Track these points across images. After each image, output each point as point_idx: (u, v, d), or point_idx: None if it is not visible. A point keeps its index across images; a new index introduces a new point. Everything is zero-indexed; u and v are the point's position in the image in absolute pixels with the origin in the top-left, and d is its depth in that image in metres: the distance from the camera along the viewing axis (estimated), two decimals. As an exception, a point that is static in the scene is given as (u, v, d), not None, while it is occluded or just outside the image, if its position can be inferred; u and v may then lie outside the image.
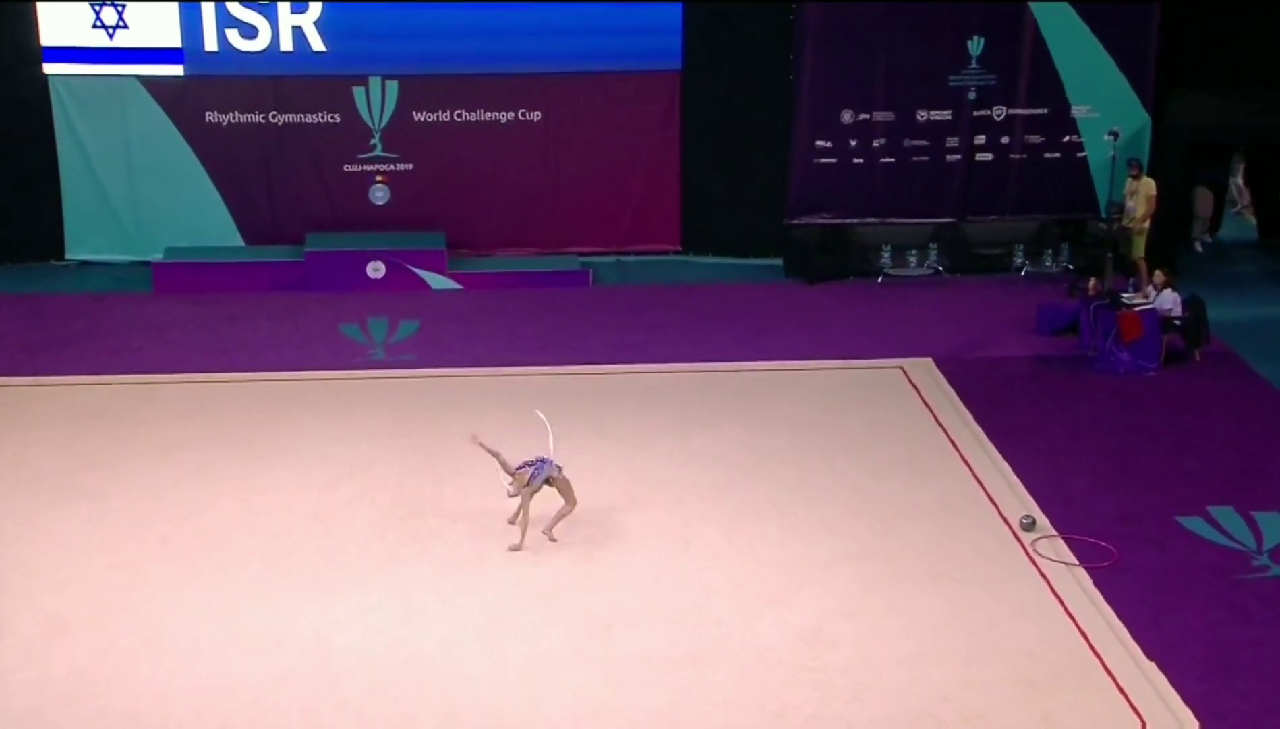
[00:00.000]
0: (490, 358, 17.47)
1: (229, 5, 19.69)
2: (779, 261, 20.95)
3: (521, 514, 12.75)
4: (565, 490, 12.82)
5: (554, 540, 12.79)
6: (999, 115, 20.65)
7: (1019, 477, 14.45)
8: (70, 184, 20.19)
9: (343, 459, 14.61)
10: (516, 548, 12.65)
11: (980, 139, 20.74)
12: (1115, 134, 19.76)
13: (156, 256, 20.06)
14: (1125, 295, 17.87)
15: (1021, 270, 20.53)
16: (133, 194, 20.29)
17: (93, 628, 11.61)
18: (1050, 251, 20.58)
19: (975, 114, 20.60)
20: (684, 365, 17.26)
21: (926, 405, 16.19)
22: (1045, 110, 20.65)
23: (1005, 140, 20.76)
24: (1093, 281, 18.16)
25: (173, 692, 10.86)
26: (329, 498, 13.85)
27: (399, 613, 11.92)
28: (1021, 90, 20.54)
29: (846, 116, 20.54)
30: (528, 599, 12.14)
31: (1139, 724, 10.72)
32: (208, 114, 20.17)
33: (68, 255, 20.46)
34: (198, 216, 20.40)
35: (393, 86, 20.32)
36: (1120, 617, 11.97)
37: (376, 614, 11.90)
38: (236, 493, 13.90)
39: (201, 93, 20.06)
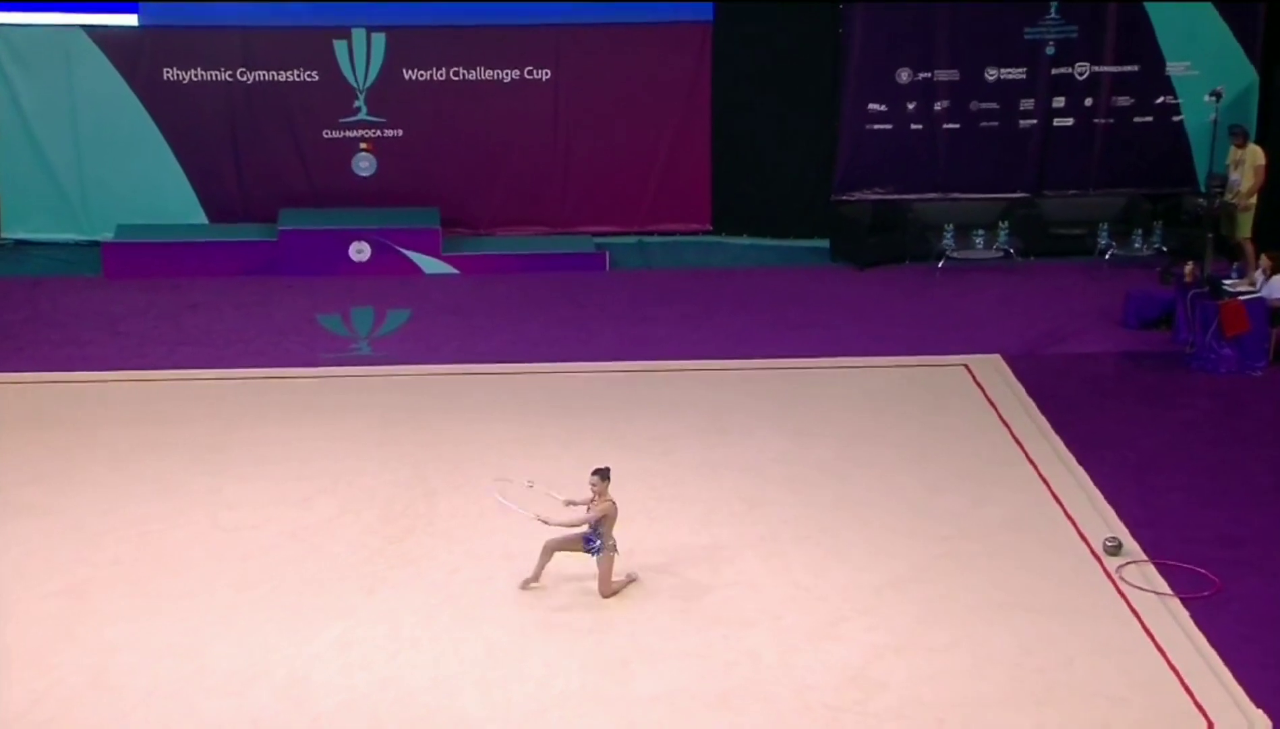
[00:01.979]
0: (491, 353, 17.55)
1: (190, -56, 19.88)
2: (825, 243, 20.97)
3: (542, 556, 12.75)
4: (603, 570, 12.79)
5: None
6: (1081, 73, 20.65)
7: (1102, 492, 14.44)
8: (6, 152, 20.32)
9: (322, 470, 14.69)
10: (532, 583, 12.65)
11: (1059, 101, 20.74)
12: (1218, 95, 19.71)
13: (107, 236, 20.20)
14: (1227, 282, 17.85)
15: (1106, 253, 20.52)
16: (79, 164, 20.43)
17: (34, 665, 11.67)
18: (1140, 231, 20.54)
19: (1054, 72, 20.61)
20: (714, 362, 17.31)
21: (994, 409, 16.21)
22: (1136, 67, 20.66)
23: (1088, 103, 20.77)
24: (1189, 266, 18.12)
25: (126, 736, 10.96)
26: (306, 515, 13.93)
27: (386, 647, 11.98)
28: (1108, 44, 20.55)
29: (904, 75, 20.55)
30: (534, 632, 12.20)
31: (1239, 779, 10.75)
32: (165, 71, 20.30)
33: (3, 234, 20.62)
34: (154, 190, 20.53)
35: (379, 40, 20.42)
36: (1221, 656, 11.94)
37: (360, 649, 11.96)
38: (200, 509, 13.99)
39: (158, 46, 20.18)
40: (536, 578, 12.60)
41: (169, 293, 19.09)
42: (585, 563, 12.69)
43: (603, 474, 12.49)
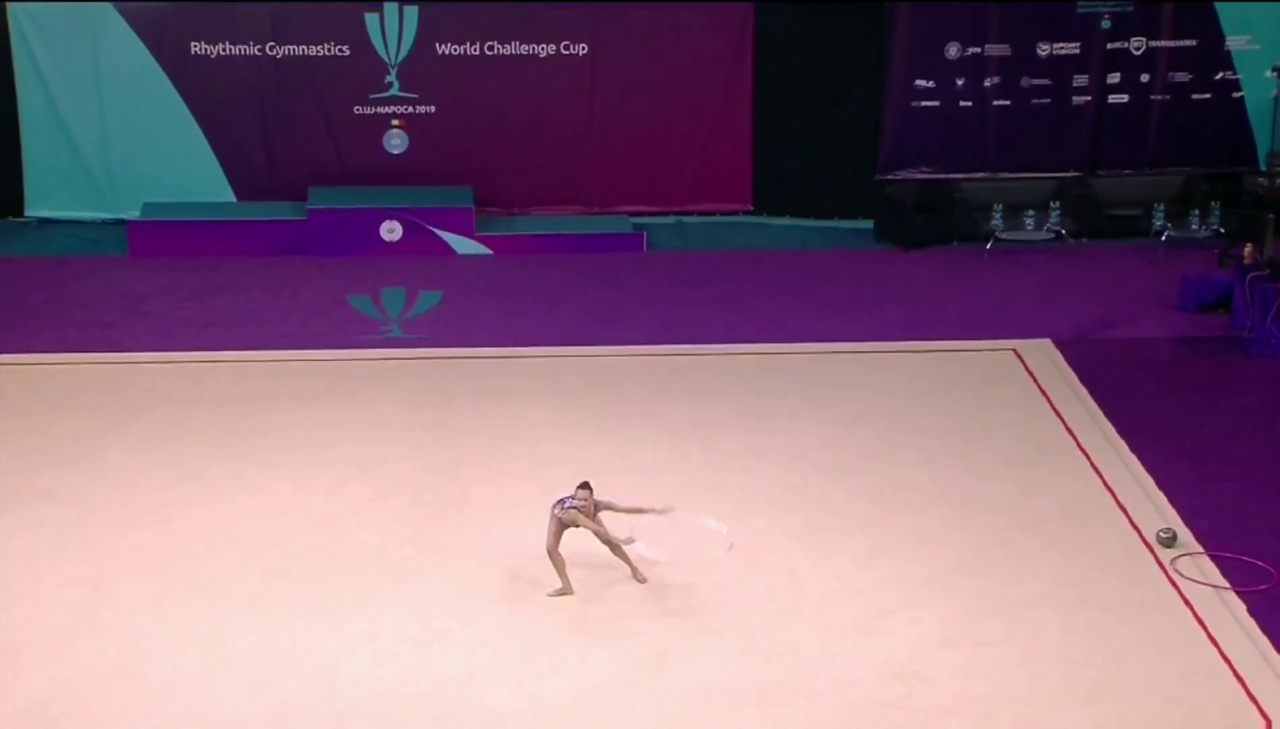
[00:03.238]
0: (525, 336, 17.52)
1: (218, -84, 19.87)
2: (869, 224, 20.92)
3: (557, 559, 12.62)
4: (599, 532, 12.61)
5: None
6: (1138, 48, 20.53)
7: (1156, 481, 14.34)
8: (31, 129, 20.39)
9: (350, 456, 14.66)
10: (563, 593, 12.54)
11: (1114, 77, 20.65)
12: None
13: (132, 214, 20.24)
14: (1288, 265, 17.75)
15: (1162, 235, 20.40)
16: (105, 141, 20.47)
17: (54, 654, 11.68)
18: (1197, 212, 20.45)
19: (1109, 47, 20.51)
20: (754, 346, 17.24)
21: (1044, 395, 16.11)
22: (1194, 42, 20.55)
23: (1145, 79, 20.67)
24: (1249, 248, 18.00)
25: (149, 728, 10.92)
26: (334, 501, 13.90)
27: (415, 638, 11.94)
28: (1165, 18, 20.42)
29: (952, 50, 20.47)
30: (567, 623, 12.14)
31: (1300, 781, 10.63)
32: (193, 45, 20.32)
33: (27, 212, 20.69)
34: (181, 167, 20.58)
35: (412, 13, 20.40)
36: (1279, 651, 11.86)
37: (389, 640, 11.92)
38: (225, 495, 13.98)
39: (186, 20, 20.18)
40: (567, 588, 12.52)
41: (195, 273, 19.12)
42: (622, 560, 12.63)
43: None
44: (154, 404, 15.66)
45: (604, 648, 11.82)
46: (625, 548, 12.48)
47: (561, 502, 12.30)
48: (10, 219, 20.67)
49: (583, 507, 12.24)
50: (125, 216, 20.28)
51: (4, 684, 11.31)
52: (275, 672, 11.50)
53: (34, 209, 20.69)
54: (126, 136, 20.47)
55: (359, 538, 13.30)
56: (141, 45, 20.25)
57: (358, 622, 12.11)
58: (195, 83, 20.41)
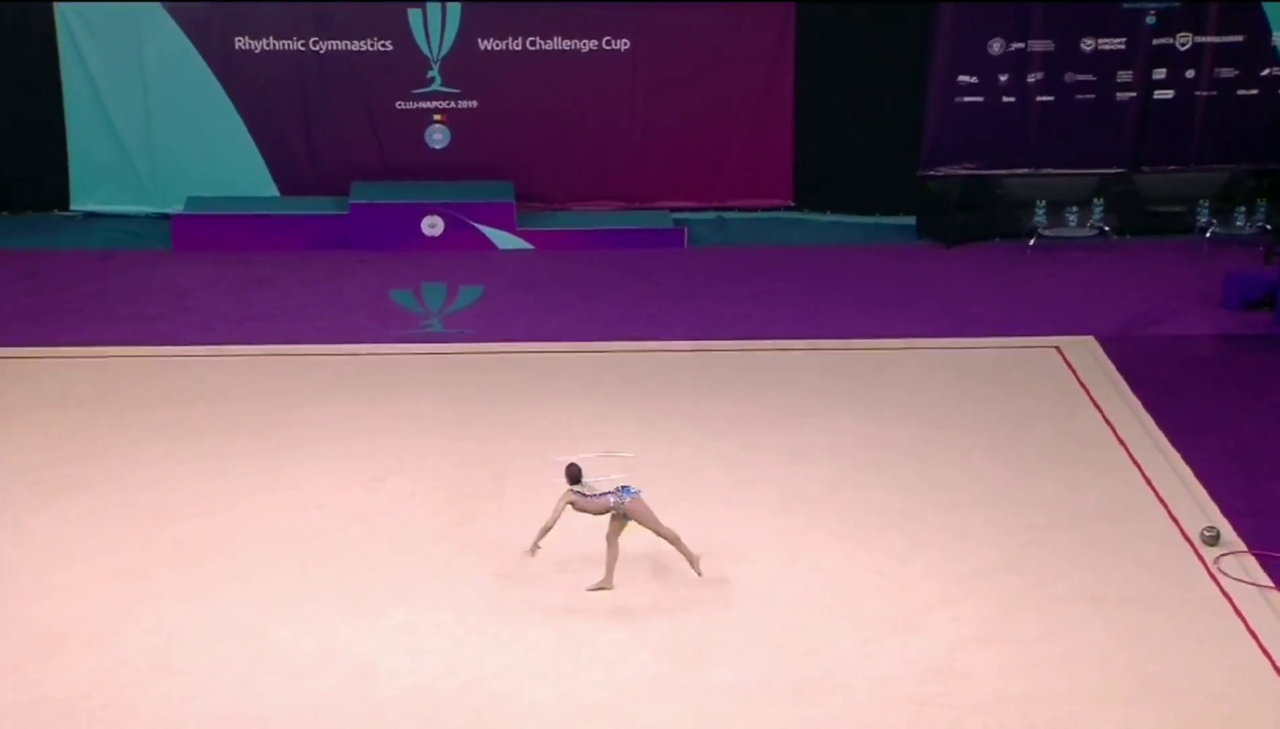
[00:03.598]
0: (565, 332, 17.50)
1: (262, -88, 19.92)
2: (911, 220, 20.83)
3: (608, 548, 12.56)
4: (648, 520, 12.54)
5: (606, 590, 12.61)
6: (1183, 44, 20.38)
7: (1200, 479, 14.25)
8: (77, 123, 20.47)
9: (389, 450, 14.67)
10: (602, 587, 12.49)
11: (1159, 73, 20.49)
12: (1327, 66, 19.51)
13: (176, 208, 20.32)
14: (1334, 262, 17.62)
15: (1206, 231, 20.26)
16: (149, 135, 20.55)
17: (94, 645, 11.73)
18: (1242, 209, 20.33)
19: (1154, 42, 20.35)
20: (794, 342, 17.19)
21: (1087, 392, 16.01)
22: (1240, 38, 20.37)
23: (1190, 74, 20.50)
24: (1294, 245, 17.93)
25: (187, 720, 10.94)
26: (373, 496, 13.92)
27: (452, 633, 11.95)
28: (1211, 13, 20.26)
29: (996, 46, 20.35)
30: (604, 619, 12.12)
31: (1343, 782, 10.53)
32: (238, 40, 20.37)
33: (73, 206, 20.78)
34: (225, 162, 20.63)
35: (454, 9, 20.39)
36: (1323, 651, 11.77)
37: (426, 634, 11.93)
38: (264, 488, 14.01)
39: (230, 16, 20.23)
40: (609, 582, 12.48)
41: (238, 267, 19.17)
42: (658, 545, 12.61)
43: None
44: (195, 398, 15.70)
45: (641, 643, 11.80)
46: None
47: (622, 490, 12.22)
48: (56, 212, 20.77)
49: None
50: (169, 211, 20.34)
51: (45, 675, 11.37)
52: (313, 664, 11.53)
53: (79, 203, 20.78)
54: (171, 131, 20.54)
55: (397, 532, 13.32)
56: (187, 41, 20.31)
57: (396, 615, 12.13)
58: (239, 78, 20.47)
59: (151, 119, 20.49)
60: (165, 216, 20.31)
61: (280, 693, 11.23)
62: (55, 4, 20.07)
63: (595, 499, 12.21)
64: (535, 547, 12.15)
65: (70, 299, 18.18)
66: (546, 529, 12.13)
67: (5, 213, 20.70)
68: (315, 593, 12.42)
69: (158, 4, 20.10)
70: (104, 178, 20.64)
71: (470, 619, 12.09)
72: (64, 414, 15.29)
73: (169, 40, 20.28)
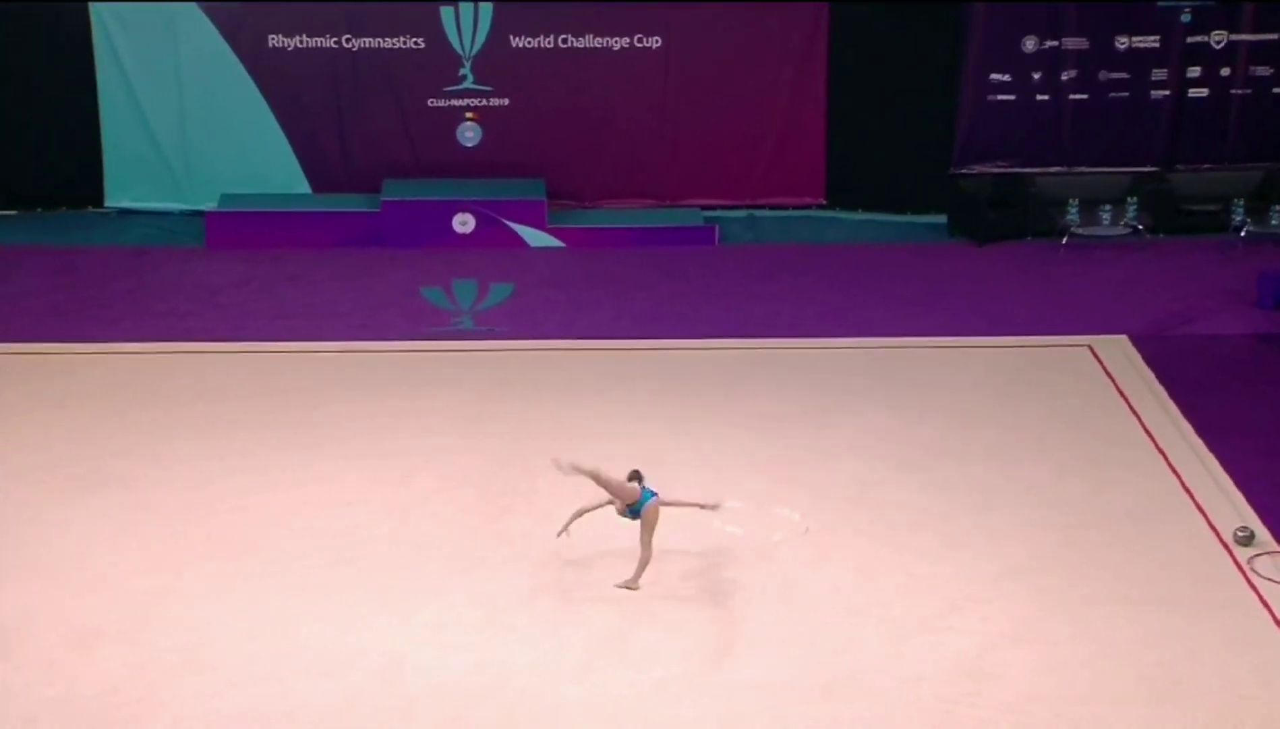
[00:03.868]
0: (595, 329, 17.49)
1: (295, -90, 19.96)
2: (942, 218, 20.78)
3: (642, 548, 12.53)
4: (646, 527, 12.35)
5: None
6: (1218, 42, 20.31)
7: (1233, 479, 14.16)
8: (111, 120, 20.55)
9: (420, 447, 14.69)
10: (630, 586, 12.47)
11: (1194, 71, 20.43)
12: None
13: (210, 205, 20.38)
14: (1369, 262, 17.50)
15: (1241, 230, 20.14)
16: (183, 132, 20.62)
17: (126, 640, 11.77)
18: (1277, 207, 20.17)
19: (1189, 40, 20.30)
20: (825, 340, 17.16)
21: (1119, 392, 15.94)
22: (1276, 36, 20.36)
23: (1225, 72, 20.44)
24: (1329, 244, 17.81)
25: (218, 716, 10.96)
26: (403, 492, 13.93)
27: (483, 629, 11.95)
28: (1247, 11, 20.20)
29: (1029, 44, 20.31)
30: (634, 617, 12.10)
31: (1376, 785, 10.46)
32: (271, 38, 20.42)
33: (107, 203, 20.86)
34: (258, 159, 20.69)
35: (486, 7, 20.40)
36: (1357, 653, 11.69)
37: (457, 630, 11.94)
38: (295, 484, 14.03)
39: (264, 14, 20.28)
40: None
41: (271, 264, 19.22)
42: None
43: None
44: (228, 394, 15.74)
45: (670, 641, 11.79)
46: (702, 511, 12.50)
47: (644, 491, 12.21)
48: (90, 210, 20.85)
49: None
50: (203, 208, 20.41)
51: (78, 670, 11.42)
52: (344, 661, 11.54)
53: (114, 200, 20.87)
54: (205, 129, 20.60)
55: (427, 528, 13.33)
56: (221, 39, 20.36)
57: (426, 612, 12.14)
58: (273, 76, 20.52)
59: (185, 117, 20.56)
60: (199, 214, 20.37)
61: (310, 688, 11.25)
62: (90, 3, 20.15)
63: (624, 486, 12.16)
64: (567, 528, 12.26)
65: (105, 296, 18.25)
66: (583, 512, 12.27)
67: (41, 210, 20.80)
68: (345, 589, 12.44)
69: (192, 3, 20.16)
70: (138, 175, 20.72)
71: (500, 616, 12.09)
72: (98, 410, 15.35)
73: (203, 38, 20.34)
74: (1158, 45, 20.31)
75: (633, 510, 12.23)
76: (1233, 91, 20.52)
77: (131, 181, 20.77)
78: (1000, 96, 20.41)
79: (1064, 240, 20.02)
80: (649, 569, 12.32)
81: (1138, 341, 17.05)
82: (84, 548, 12.99)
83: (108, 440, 14.73)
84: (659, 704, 11.12)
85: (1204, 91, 20.50)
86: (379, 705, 11.09)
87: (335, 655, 11.60)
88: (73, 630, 11.85)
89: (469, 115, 20.79)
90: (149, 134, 20.57)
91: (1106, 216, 20.12)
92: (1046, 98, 20.45)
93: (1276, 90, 20.47)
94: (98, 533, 13.20)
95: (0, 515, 13.43)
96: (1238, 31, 20.30)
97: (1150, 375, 16.27)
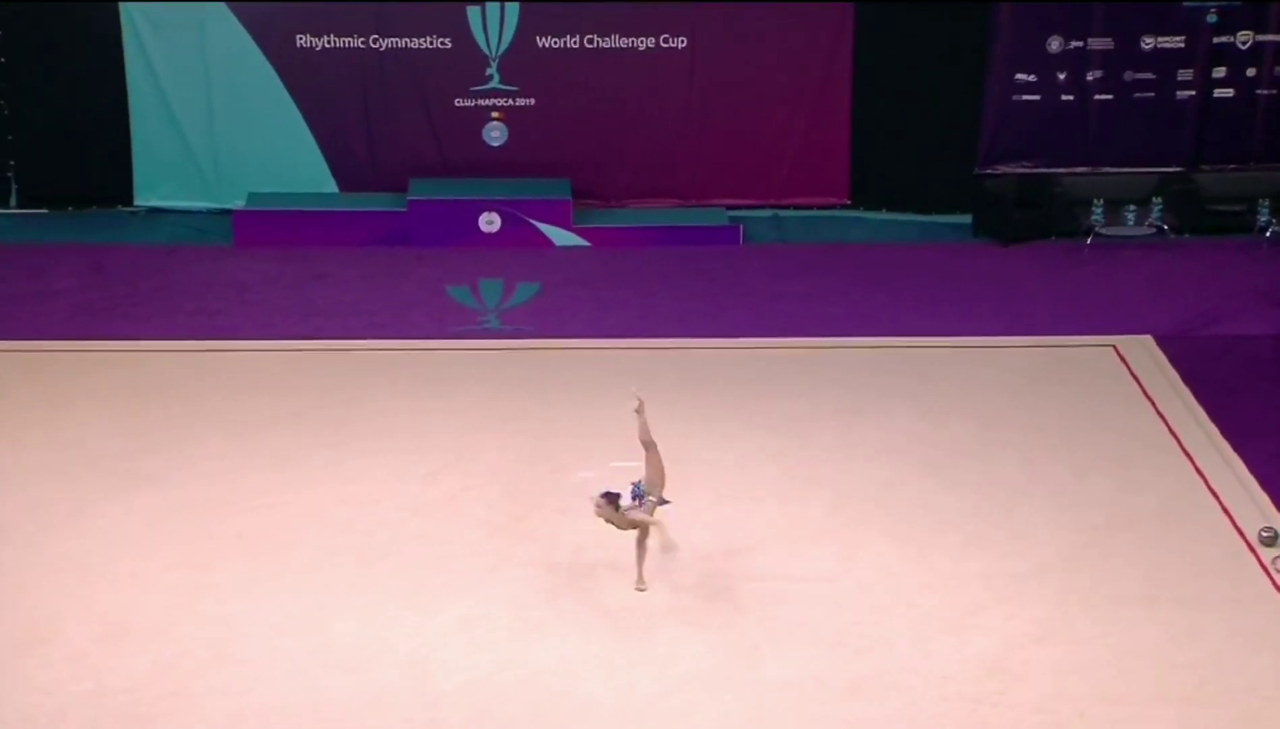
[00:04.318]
0: (621, 328, 17.51)
1: (322, -90, 19.99)
2: (967, 218, 20.72)
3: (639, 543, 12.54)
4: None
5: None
6: (1244, 43, 20.24)
7: (1259, 480, 14.12)
8: (141, 121, 20.60)
9: (447, 445, 14.72)
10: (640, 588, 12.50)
11: (1219, 71, 20.35)
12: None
13: (238, 204, 20.43)
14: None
15: (1266, 231, 20.08)
16: (211, 132, 20.66)
17: (156, 636, 11.83)
18: (1304, 208, 20.11)
19: (1214, 41, 20.20)
20: (850, 340, 17.14)
21: (1144, 392, 15.91)
22: (1303, 36, 20.24)
23: (1251, 73, 20.37)
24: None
25: (247, 711, 11.02)
26: (430, 490, 13.96)
27: (509, 627, 11.97)
28: (1273, 12, 20.15)
29: (1054, 44, 20.26)
30: (660, 614, 12.12)
31: (1402, 786, 10.43)
32: (299, 38, 20.45)
33: (136, 201, 20.91)
34: (286, 158, 20.72)
35: (513, 7, 20.41)
36: (1382, 654, 11.66)
37: (483, 628, 11.97)
38: (323, 482, 14.08)
39: (292, 13, 20.33)
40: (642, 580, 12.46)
41: (298, 262, 19.27)
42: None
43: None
44: (256, 392, 15.79)
45: (696, 639, 11.81)
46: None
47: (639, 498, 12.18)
48: (120, 208, 20.92)
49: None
50: (231, 206, 20.46)
51: (109, 665, 11.48)
52: (372, 657, 11.59)
53: (143, 198, 20.91)
54: (233, 128, 20.64)
55: (454, 526, 13.36)
56: (249, 39, 20.40)
57: (453, 609, 12.18)
58: (300, 76, 20.54)
59: (214, 116, 20.60)
60: (227, 212, 20.43)
61: (338, 684, 11.30)
62: (121, 4, 20.21)
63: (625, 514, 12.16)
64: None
65: (135, 294, 18.32)
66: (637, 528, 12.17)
67: (71, 209, 20.87)
68: (373, 586, 12.49)
69: (221, 3, 20.22)
70: (167, 174, 20.77)
71: (526, 614, 12.12)
72: (128, 407, 15.41)
73: (231, 38, 20.37)
74: (1183, 46, 20.24)
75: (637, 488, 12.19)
76: (1258, 92, 20.43)
77: (160, 181, 20.82)
78: (1025, 97, 20.35)
79: (1089, 240, 19.97)
80: (670, 566, 12.33)
81: (1163, 342, 17.00)
82: (114, 544, 13.06)
83: (138, 437, 14.79)
84: (684, 701, 11.15)
85: (1229, 92, 20.42)
86: (407, 701, 11.14)
87: (363, 651, 11.65)
88: (103, 626, 11.92)
89: (495, 115, 20.80)
90: (178, 133, 20.62)
91: (1131, 217, 20.06)
92: (1072, 98, 20.39)
93: (1302, 91, 20.44)
94: (128, 529, 13.27)
95: (31, 512, 13.50)
96: (1264, 32, 20.21)
97: (1175, 376, 16.23)
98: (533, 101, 20.74)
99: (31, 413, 15.23)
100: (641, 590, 12.30)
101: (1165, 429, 15.13)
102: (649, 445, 12.21)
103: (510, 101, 20.75)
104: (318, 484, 14.03)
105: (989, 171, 20.55)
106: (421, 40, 20.52)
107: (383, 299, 18.28)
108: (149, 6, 20.20)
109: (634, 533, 12.21)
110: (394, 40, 20.49)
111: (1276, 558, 12.86)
